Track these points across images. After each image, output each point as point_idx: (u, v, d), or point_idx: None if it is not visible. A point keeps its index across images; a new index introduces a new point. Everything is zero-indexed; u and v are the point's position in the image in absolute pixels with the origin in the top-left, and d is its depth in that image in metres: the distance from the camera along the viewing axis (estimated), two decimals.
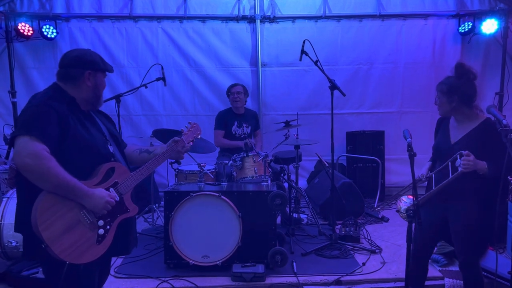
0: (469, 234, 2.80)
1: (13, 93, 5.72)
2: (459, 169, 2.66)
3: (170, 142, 2.51)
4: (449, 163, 2.76)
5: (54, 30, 5.81)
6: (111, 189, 2.16)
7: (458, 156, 2.69)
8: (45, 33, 5.73)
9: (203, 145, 4.58)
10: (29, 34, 5.65)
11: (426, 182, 3.00)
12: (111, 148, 2.27)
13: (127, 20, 6.03)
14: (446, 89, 2.82)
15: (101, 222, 2.11)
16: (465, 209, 2.80)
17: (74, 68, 2.18)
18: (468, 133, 2.82)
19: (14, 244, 3.62)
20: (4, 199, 3.83)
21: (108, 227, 2.14)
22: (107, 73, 2.33)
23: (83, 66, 2.18)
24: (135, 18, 6.02)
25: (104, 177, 2.15)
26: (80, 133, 2.10)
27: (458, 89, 2.78)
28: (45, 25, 5.73)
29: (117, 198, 2.17)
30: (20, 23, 5.58)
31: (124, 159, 2.38)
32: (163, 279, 3.52)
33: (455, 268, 3.66)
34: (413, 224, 2.54)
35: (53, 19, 5.85)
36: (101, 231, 2.11)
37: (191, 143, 2.59)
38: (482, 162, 2.66)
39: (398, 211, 3.15)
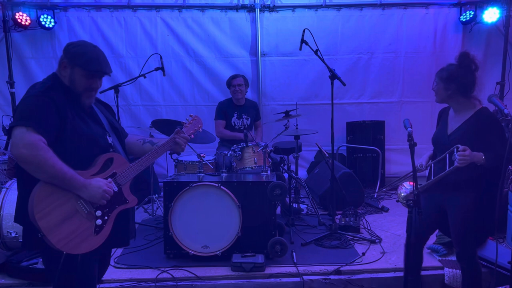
0: (466, 226, 2.81)
1: (11, 84, 5.71)
2: (455, 163, 2.65)
3: (173, 134, 2.47)
4: (447, 155, 2.75)
5: (52, 20, 5.77)
6: (109, 179, 2.15)
7: (455, 149, 2.67)
8: (43, 23, 5.69)
9: (203, 135, 4.56)
10: (26, 23, 5.61)
11: (427, 171, 2.99)
12: (109, 139, 2.25)
13: (125, 9, 5.98)
14: (445, 76, 2.81)
15: (99, 213, 2.10)
16: (462, 201, 2.80)
17: (63, 54, 2.17)
18: (463, 123, 2.81)
19: (13, 234, 3.62)
20: (3, 189, 3.82)
21: (106, 217, 2.13)
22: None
23: (65, 54, 2.16)
24: (134, 8, 5.97)
25: (102, 167, 2.14)
26: (78, 124, 2.08)
27: (457, 78, 2.77)
28: (43, 14, 5.69)
29: (115, 189, 2.16)
30: (18, 12, 5.54)
31: (124, 150, 2.37)
32: (162, 269, 3.52)
33: (454, 258, 3.66)
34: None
35: (51, 8, 5.80)
36: (99, 222, 2.10)
37: (192, 136, 2.57)
38: (478, 154, 2.64)
39: (398, 195, 3.16)
